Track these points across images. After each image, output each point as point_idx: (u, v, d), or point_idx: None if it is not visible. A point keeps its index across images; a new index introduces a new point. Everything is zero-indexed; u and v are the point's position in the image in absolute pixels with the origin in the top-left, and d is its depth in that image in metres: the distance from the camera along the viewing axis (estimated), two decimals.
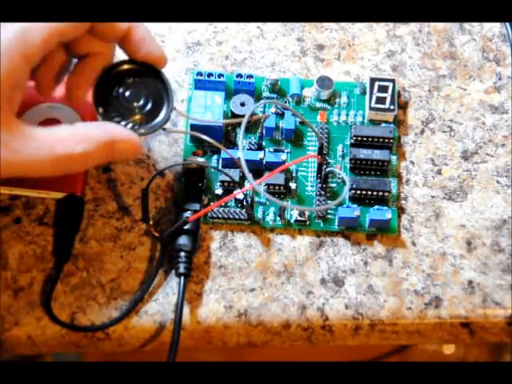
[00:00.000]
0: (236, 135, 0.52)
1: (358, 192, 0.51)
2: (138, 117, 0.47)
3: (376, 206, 0.51)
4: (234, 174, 0.50)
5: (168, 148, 0.52)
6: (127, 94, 0.47)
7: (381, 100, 0.53)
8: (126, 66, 0.47)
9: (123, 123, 0.46)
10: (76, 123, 0.44)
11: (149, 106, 0.47)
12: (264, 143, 0.52)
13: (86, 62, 0.46)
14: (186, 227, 0.48)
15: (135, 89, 0.47)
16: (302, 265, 0.50)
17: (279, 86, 0.54)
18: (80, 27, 0.44)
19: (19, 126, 0.42)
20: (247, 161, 0.47)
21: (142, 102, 0.47)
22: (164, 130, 0.47)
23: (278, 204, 0.50)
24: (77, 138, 0.43)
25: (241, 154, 0.46)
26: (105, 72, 0.47)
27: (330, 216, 0.51)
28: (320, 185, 0.51)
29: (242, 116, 0.49)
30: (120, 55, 0.48)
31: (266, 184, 0.51)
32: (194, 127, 0.51)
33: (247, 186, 0.50)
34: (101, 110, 0.46)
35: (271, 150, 0.52)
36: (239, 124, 0.49)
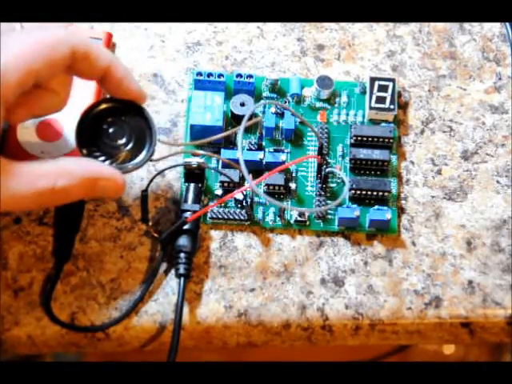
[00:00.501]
0: (236, 135, 0.52)
1: (358, 192, 0.51)
2: (121, 154, 0.46)
3: (376, 206, 0.51)
4: (234, 174, 0.50)
5: (168, 148, 0.52)
6: (110, 132, 0.46)
7: (381, 99, 0.53)
8: (106, 105, 0.46)
9: (107, 162, 0.46)
10: (59, 158, 0.44)
11: (132, 142, 0.46)
12: (264, 143, 0.52)
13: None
14: (186, 227, 0.48)
15: (117, 127, 0.46)
16: (302, 265, 0.50)
17: (279, 86, 0.54)
18: (57, 64, 0.43)
19: (1, 164, 0.41)
20: (247, 161, 0.47)
21: (124, 139, 0.46)
22: (151, 161, 0.47)
23: (277, 205, 0.50)
24: (59, 173, 0.43)
25: (240, 155, 0.46)
26: (86, 113, 0.46)
27: (329, 216, 0.51)
28: (320, 185, 0.51)
29: (242, 116, 0.49)
30: None
31: (266, 184, 0.51)
32: (194, 128, 0.51)
33: (246, 185, 0.50)
34: (85, 151, 0.46)
35: (271, 150, 0.52)
36: (239, 125, 0.49)
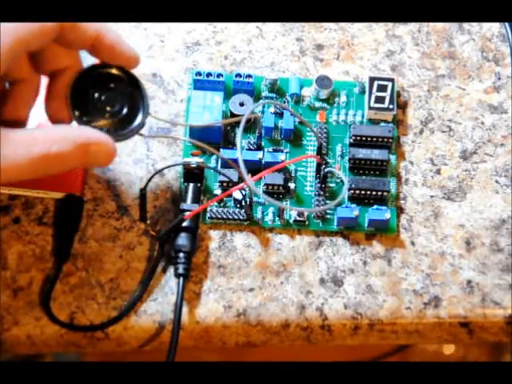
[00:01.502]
0: (235, 135, 0.52)
1: (357, 192, 0.51)
2: (113, 122, 0.46)
3: (375, 206, 0.51)
4: (233, 174, 0.50)
5: (167, 148, 0.52)
6: (103, 98, 0.46)
7: (380, 99, 0.53)
8: (101, 70, 0.46)
9: (98, 127, 0.46)
10: (51, 125, 0.45)
11: (124, 111, 0.46)
12: (263, 143, 0.52)
13: (58, 81, 0.46)
14: (183, 225, 0.48)
15: (111, 93, 0.46)
16: (301, 264, 0.50)
17: (278, 86, 0.54)
18: (47, 33, 0.43)
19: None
20: (246, 161, 0.47)
21: (117, 107, 0.46)
22: (141, 135, 0.47)
23: (276, 205, 0.50)
24: (52, 138, 0.43)
25: (239, 154, 0.46)
26: (80, 76, 0.46)
27: (328, 216, 0.51)
28: (319, 185, 0.51)
29: (241, 116, 0.49)
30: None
31: (265, 184, 0.51)
32: (193, 127, 0.51)
33: (243, 183, 0.50)
34: (77, 113, 0.45)
35: (270, 149, 0.52)
36: (238, 124, 0.49)
